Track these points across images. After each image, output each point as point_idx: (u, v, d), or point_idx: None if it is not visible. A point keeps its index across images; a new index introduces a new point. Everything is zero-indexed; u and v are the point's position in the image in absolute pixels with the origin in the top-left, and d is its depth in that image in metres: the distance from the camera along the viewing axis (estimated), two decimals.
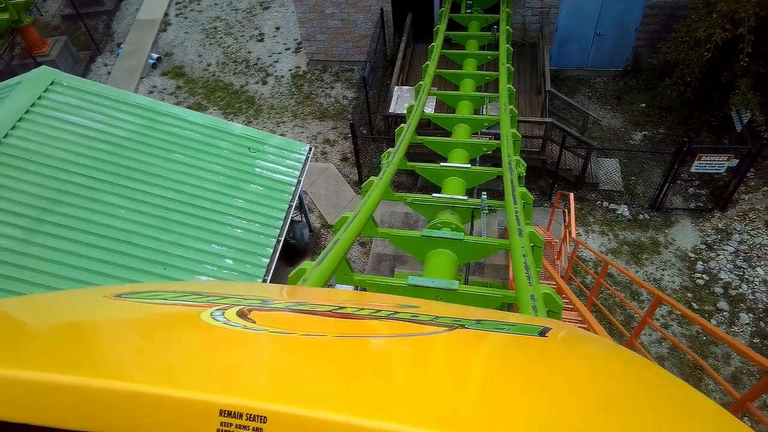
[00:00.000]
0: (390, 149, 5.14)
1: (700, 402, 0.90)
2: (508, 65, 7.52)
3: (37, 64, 11.61)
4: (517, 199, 3.87)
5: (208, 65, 12.98)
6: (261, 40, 13.34)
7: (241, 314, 1.07)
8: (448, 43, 9.02)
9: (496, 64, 8.07)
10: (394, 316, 1.30)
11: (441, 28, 8.93)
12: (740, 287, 7.93)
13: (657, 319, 7.74)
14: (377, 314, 1.32)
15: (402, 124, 5.85)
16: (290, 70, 12.52)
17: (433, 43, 8.34)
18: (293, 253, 8.75)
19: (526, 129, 9.07)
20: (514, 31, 10.26)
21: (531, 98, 10.10)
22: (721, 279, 8.08)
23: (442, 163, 5.38)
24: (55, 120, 6.80)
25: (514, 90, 7.02)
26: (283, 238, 6.77)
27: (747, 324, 7.64)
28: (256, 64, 12.80)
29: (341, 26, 11.55)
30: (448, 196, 4.79)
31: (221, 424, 0.65)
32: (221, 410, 0.65)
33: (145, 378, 0.73)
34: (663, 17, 10.08)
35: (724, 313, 7.76)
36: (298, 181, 7.43)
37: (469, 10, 10.12)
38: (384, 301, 1.89)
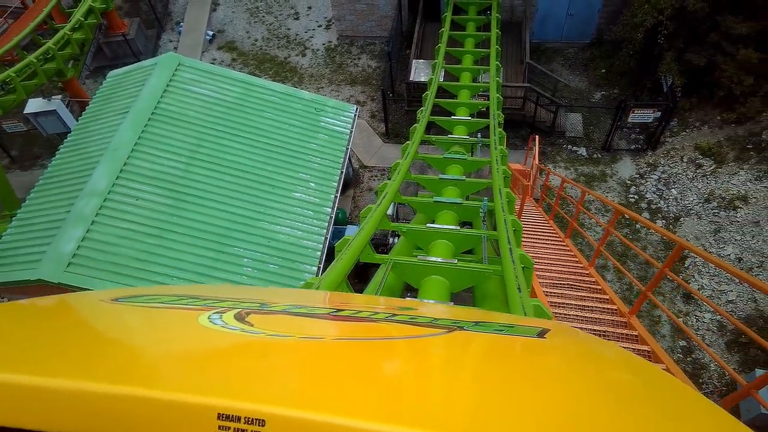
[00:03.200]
0: (422, 108, 8.38)
1: (700, 404, 0.89)
2: (497, 47, 10.61)
3: (126, 41, 14.59)
4: (496, 133, 7.14)
5: (255, 40, 15.87)
6: (297, 18, 16.18)
7: (239, 317, 1.08)
8: (451, 23, 11.99)
9: (488, 42, 11.14)
10: (393, 318, 1.31)
11: (448, 16, 11.90)
12: (659, 203, 11.31)
13: (600, 229, 11.13)
14: (375, 316, 1.34)
15: (426, 92, 9.02)
16: (324, 44, 15.45)
17: (442, 29, 11.37)
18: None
19: (510, 91, 12.19)
20: (504, 12, 13.20)
21: (516, 67, 13.15)
22: (646, 198, 11.44)
23: (452, 116, 8.63)
24: (186, 90, 9.91)
25: (500, 66, 10.14)
26: (344, 170, 10.05)
27: (626, 227, 11.02)
28: (295, 39, 15.71)
29: (366, 9, 14.41)
30: (457, 136, 8.06)
31: (219, 427, 0.66)
32: (219, 413, 0.66)
33: (143, 381, 0.73)
34: (618, 1, 13.00)
35: None
36: (350, 132, 10.63)
37: None
38: (382, 303, 1.94)
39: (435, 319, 1.35)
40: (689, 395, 0.94)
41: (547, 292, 5.66)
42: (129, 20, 15.55)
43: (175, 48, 15.79)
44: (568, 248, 7.69)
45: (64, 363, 0.81)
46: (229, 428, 0.65)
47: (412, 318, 1.32)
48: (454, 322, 1.30)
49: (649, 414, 0.81)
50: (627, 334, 5.18)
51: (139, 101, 9.48)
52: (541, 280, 5.93)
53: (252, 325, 1.04)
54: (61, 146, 9.74)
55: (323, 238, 9.05)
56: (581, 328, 5.18)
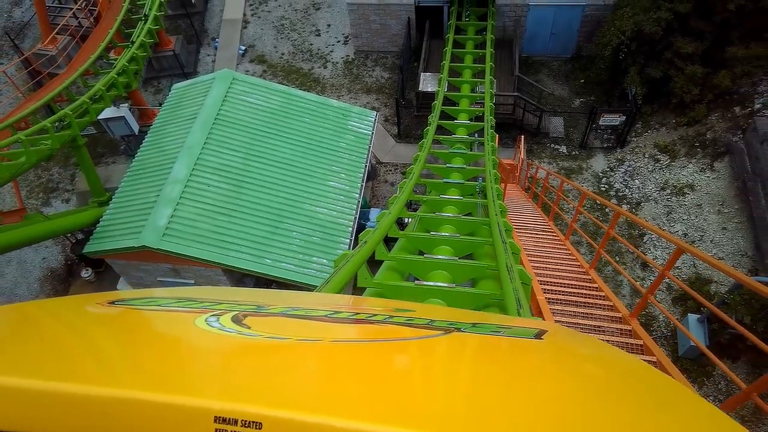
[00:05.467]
0: (432, 114, 10.79)
1: (697, 404, 0.90)
2: (491, 63, 13.02)
3: (175, 56, 16.99)
4: (488, 132, 9.55)
5: (282, 54, 18.26)
6: (318, 35, 18.59)
7: (236, 320, 1.09)
8: (453, 41, 14.39)
9: (484, 58, 13.56)
10: (390, 320, 1.33)
11: (450, 37, 14.33)
12: (624, 191, 13.71)
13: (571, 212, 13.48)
14: (372, 318, 1.35)
15: (434, 101, 11.42)
16: (342, 57, 17.85)
17: (445, 48, 13.79)
18: None
19: (503, 99, 14.59)
20: (497, 32, 15.60)
21: (507, 78, 15.55)
22: (615, 187, 13.85)
23: (455, 121, 11.05)
24: (240, 100, 12.29)
25: (494, 79, 12.55)
26: (368, 164, 12.43)
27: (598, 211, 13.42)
28: (317, 53, 18.11)
29: (380, 28, 16.82)
30: (459, 136, 10.47)
31: (216, 430, 0.66)
32: (216, 416, 0.66)
33: (139, 384, 0.74)
34: (594, 23, 15.41)
35: None
36: (372, 133, 13.01)
37: (468, 19, 15.51)
38: (379, 305, 1.98)
39: (432, 320, 1.36)
40: (689, 397, 0.94)
41: (520, 233, 8.30)
42: (173, 37, 17.93)
43: (213, 61, 18.18)
44: (540, 214, 10.37)
45: (61, 366, 0.83)
46: (226, 431, 0.66)
47: (409, 320, 1.34)
48: (452, 324, 1.32)
49: (646, 414, 0.82)
50: (580, 274, 7.62)
51: (204, 109, 11.87)
52: (515, 226, 8.62)
53: (249, 328, 1.05)
54: (142, 146, 12.12)
55: (353, 217, 11.44)
56: (542, 253, 7.67)
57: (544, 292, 5.70)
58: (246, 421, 0.65)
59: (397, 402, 0.75)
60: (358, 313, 1.44)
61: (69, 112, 10.76)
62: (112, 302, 1.29)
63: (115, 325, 1.18)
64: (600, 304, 5.93)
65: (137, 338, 1.07)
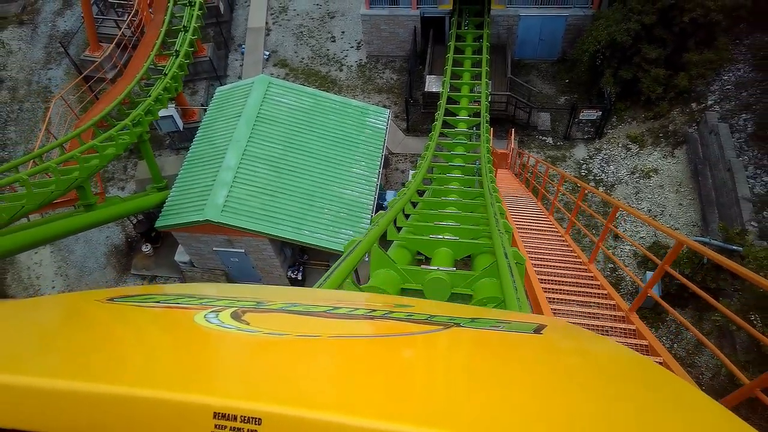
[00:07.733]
0: (437, 111, 13.17)
1: (696, 397, 0.91)
2: (486, 68, 15.39)
3: (210, 61, 19.33)
4: (484, 125, 11.93)
5: (302, 59, 20.59)
6: (334, 41, 20.90)
7: (235, 316, 1.10)
8: (454, 48, 16.74)
9: (481, 62, 15.92)
10: (389, 315, 1.35)
11: (452, 44, 16.67)
12: (601, 175, 16.09)
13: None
14: (372, 314, 1.38)
15: (439, 101, 13.79)
16: (356, 61, 20.18)
17: (447, 54, 16.13)
18: None
19: (497, 98, 16.96)
20: (492, 38, 17.95)
21: (501, 79, 17.90)
22: (593, 172, 16.23)
23: (457, 117, 13.42)
24: (276, 101, 14.64)
25: (489, 81, 14.91)
26: (384, 153, 14.81)
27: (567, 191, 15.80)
28: (333, 57, 20.43)
29: (389, 35, 19.15)
30: (460, 129, 12.86)
31: (215, 426, 0.66)
32: (215, 412, 0.67)
33: (139, 381, 0.74)
34: (576, 30, 17.75)
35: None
36: (386, 128, 15.36)
37: (467, 27, 17.86)
38: (379, 300, 2.03)
39: (431, 316, 1.37)
40: (685, 389, 0.95)
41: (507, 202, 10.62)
42: (206, 45, 20.24)
43: (241, 66, 20.50)
44: (523, 187, 12.78)
45: (60, 363, 0.83)
46: (225, 427, 0.66)
47: (408, 315, 1.36)
48: (451, 319, 1.33)
49: (646, 407, 0.82)
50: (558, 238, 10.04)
51: (247, 108, 14.24)
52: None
53: (248, 324, 1.06)
54: (194, 140, 14.48)
55: (372, 197, 13.83)
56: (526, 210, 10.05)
57: (522, 239, 8.10)
58: (245, 416, 0.66)
59: (396, 398, 0.76)
60: (358, 309, 1.45)
61: (141, 112, 13.11)
62: (111, 299, 1.30)
63: (114, 322, 1.19)
64: (564, 250, 8.32)
65: (136, 335, 1.09)
